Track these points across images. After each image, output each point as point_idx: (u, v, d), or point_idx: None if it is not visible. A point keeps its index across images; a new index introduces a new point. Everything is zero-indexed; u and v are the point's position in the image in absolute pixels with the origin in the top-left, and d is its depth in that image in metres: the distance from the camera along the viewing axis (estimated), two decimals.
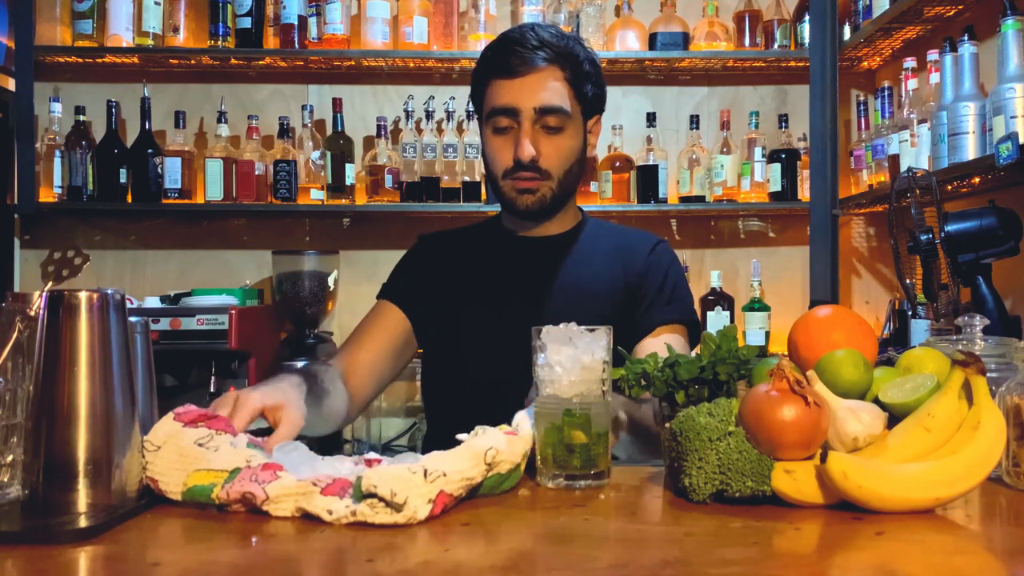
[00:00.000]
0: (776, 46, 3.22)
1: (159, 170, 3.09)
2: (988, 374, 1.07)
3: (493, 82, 1.65)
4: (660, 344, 1.53)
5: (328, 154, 3.13)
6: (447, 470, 1.01)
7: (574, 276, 1.72)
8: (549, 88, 1.61)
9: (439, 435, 1.78)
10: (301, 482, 1.00)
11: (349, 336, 1.79)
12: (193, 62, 3.19)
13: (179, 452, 1.06)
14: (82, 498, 0.98)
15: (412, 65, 3.19)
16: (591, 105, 1.69)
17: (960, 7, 2.57)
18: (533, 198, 1.65)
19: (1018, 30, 2.09)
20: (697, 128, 3.26)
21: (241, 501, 1.01)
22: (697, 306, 3.22)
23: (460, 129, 3.16)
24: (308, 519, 0.99)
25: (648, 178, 3.17)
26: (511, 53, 1.62)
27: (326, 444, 2.97)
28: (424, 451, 1.78)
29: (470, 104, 3.19)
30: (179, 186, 3.09)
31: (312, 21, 3.12)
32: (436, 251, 1.82)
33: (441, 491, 0.99)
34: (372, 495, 0.96)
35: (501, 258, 1.76)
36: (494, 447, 1.08)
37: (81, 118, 3.08)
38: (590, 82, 1.66)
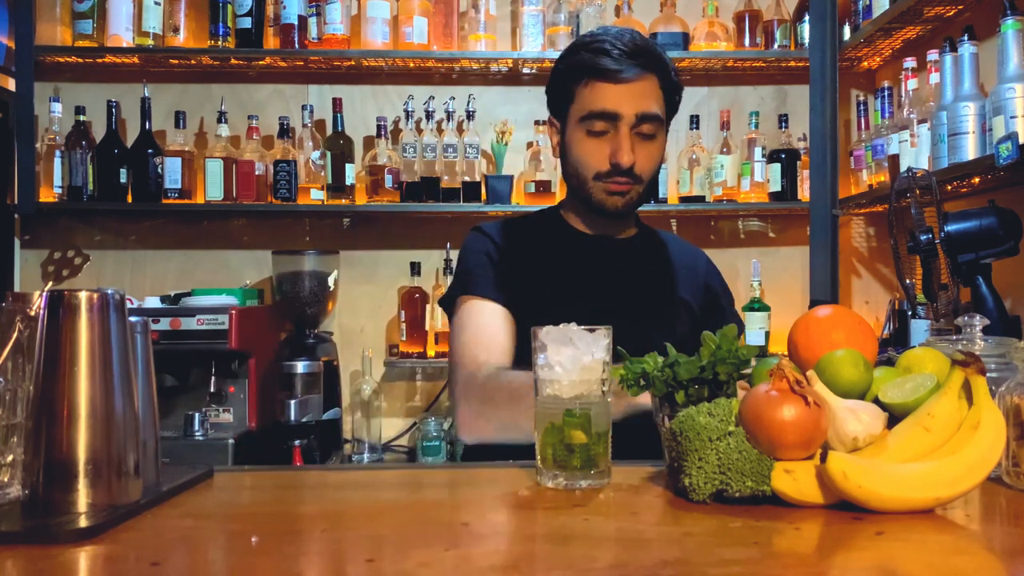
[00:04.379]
0: (776, 46, 3.22)
1: (159, 170, 3.09)
2: (988, 374, 1.06)
3: (592, 84, 1.64)
4: None
5: (328, 154, 3.13)
6: None
7: (645, 277, 1.77)
8: (650, 96, 1.64)
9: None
10: None
11: (472, 340, 1.63)
12: (193, 62, 3.19)
13: None
14: (82, 498, 0.98)
15: (412, 65, 3.19)
16: (671, 111, 1.73)
17: (960, 7, 2.57)
18: (623, 200, 1.68)
19: (1018, 30, 2.09)
20: (697, 128, 3.26)
21: None
22: None
23: (460, 129, 3.16)
24: (307, 519, 0.98)
25: None
26: (611, 57, 1.62)
27: (326, 443, 2.97)
28: (467, 451, 1.70)
29: (470, 104, 3.21)
30: (179, 186, 3.09)
31: (312, 21, 3.12)
32: (506, 243, 1.75)
33: None
34: None
35: (574, 255, 1.74)
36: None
37: (81, 118, 3.08)
38: (676, 91, 1.71)
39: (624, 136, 1.62)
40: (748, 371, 1.17)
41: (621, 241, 1.79)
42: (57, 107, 3.12)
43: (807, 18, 3.13)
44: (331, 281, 3.14)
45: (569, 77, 1.68)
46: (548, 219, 1.83)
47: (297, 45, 3.11)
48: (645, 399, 1.35)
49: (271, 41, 3.17)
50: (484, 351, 1.61)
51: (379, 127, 3.15)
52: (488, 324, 1.65)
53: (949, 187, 2.43)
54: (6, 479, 1.05)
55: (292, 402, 2.87)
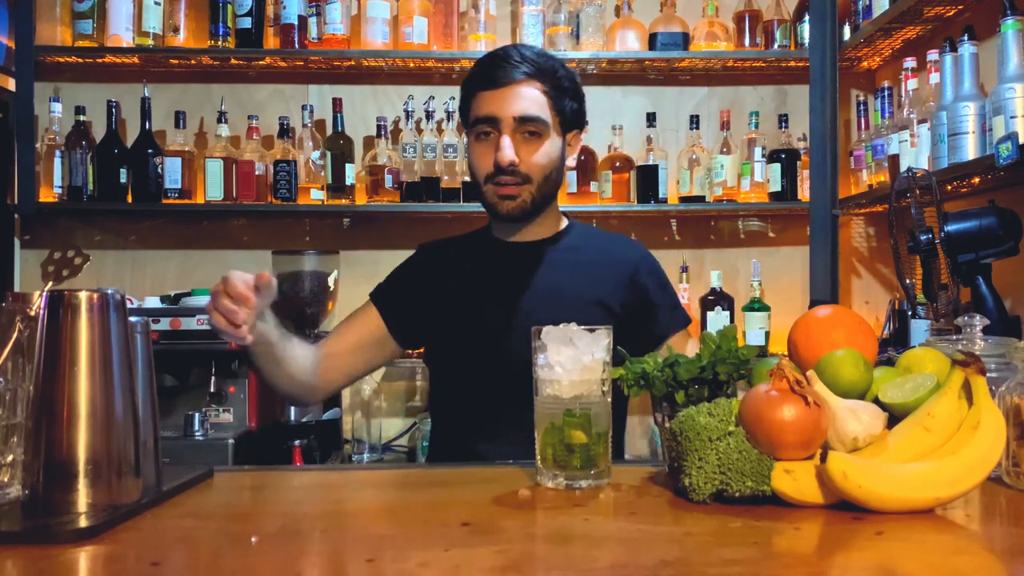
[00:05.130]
0: (776, 46, 3.22)
1: (159, 170, 3.09)
2: (988, 374, 1.07)
3: (477, 94, 1.74)
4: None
5: (328, 154, 3.13)
6: None
7: (558, 280, 1.78)
8: (528, 98, 1.70)
9: (442, 439, 1.86)
10: None
11: (335, 326, 1.91)
12: (193, 62, 3.19)
13: None
14: (82, 498, 0.98)
15: (412, 65, 3.19)
16: (569, 120, 1.77)
17: (960, 7, 2.57)
18: (514, 203, 1.73)
19: (1018, 30, 2.09)
20: (697, 128, 3.26)
21: None
22: (697, 306, 3.24)
23: (460, 129, 3.15)
24: (308, 519, 0.98)
25: (648, 178, 3.17)
26: (494, 67, 1.72)
27: (326, 443, 2.97)
28: (432, 454, 1.86)
29: (463, 89, 3.18)
30: (179, 186, 3.09)
31: (312, 21, 3.12)
32: (431, 260, 1.90)
33: None
34: None
35: (488, 265, 1.83)
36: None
37: (81, 118, 3.08)
38: (568, 97, 1.75)
39: (504, 137, 1.69)
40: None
41: (536, 244, 1.82)
42: (57, 107, 3.12)
43: (807, 18, 3.13)
44: (331, 281, 3.14)
45: (464, 92, 1.78)
46: (481, 232, 1.91)
47: (297, 45, 3.11)
48: None
49: (271, 41, 3.17)
50: (328, 337, 1.87)
51: (379, 127, 3.15)
52: (352, 317, 1.87)
53: (949, 187, 2.43)
54: (6, 479, 1.05)
55: None
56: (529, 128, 1.70)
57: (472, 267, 1.84)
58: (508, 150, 1.68)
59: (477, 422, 1.74)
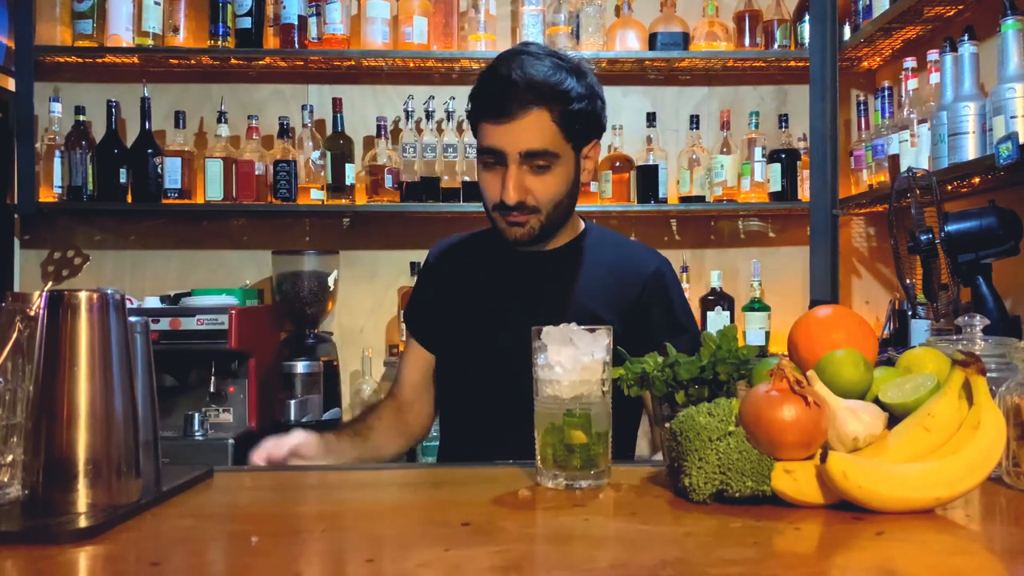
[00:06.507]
0: (776, 46, 3.22)
1: (159, 170, 3.09)
2: (988, 374, 1.06)
3: (482, 123, 1.66)
4: None
5: (328, 154, 3.13)
6: None
7: (570, 290, 1.74)
8: (535, 132, 1.61)
9: (449, 445, 1.83)
10: None
11: (397, 369, 1.93)
12: (193, 62, 3.19)
13: None
14: (82, 498, 0.98)
15: (412, 65, 3.19)
16: (583, 136, 1.68)
17: (960, 7, 2.57)
18: (522, 231, 1.68)
19: (1018, 30, 2.09)
20: (697, 128, 3.26)
21: None
22: (697, 306, 3.24)
23: (460, 129, 3.16)
24: (307, 519, 0.98)
25: (648, 178, 3.17)
26: (499, 96, 1.62)
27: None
28: (441, 458, 1.87)
29: (469, 104, 3.19)
30: (179, 186, 3.09)
31: (312, 21, 3.12)
32: (446, 265, 1.86)
33: None
34: None
35: (502, 271, 1.78)
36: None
37: (81, 118, 3.08)
38: (581, 116, 1.65)
39: (510, 174, 1.62)
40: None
41: (544, 253, 1.76)
42: (57, 107, 3.12)
43: (807, 18, 3.13)
44: (331, 281, 3.14)
45: (470, 113, 1.71)
46: (494, 233, 1.80)
47: (297, 45, 3.11)
48: None
49: (271, 41, 3.17)
50: (395, 382, 1.91)
51: (379, 127, 3.15)
52: (403, 358, 1.90)
53: (949, 187, 2.43)
54: (6, 479, 1.05)
55: (292, 402, 2.87)
56: (538, 162, 1.62)
57: (487, 272, 1.80)
58: (513, 190, 1.62)
59: (482, 431, 1.72)
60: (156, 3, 3.08)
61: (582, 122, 1.65)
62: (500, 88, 1.62)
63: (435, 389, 1.86)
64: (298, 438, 1.55)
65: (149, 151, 3.08)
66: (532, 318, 1.69)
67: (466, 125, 3.14)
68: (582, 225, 1.83)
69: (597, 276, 1.75)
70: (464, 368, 1.78)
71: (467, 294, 1.79)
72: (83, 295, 1.00)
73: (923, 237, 2.11)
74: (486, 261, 1.81)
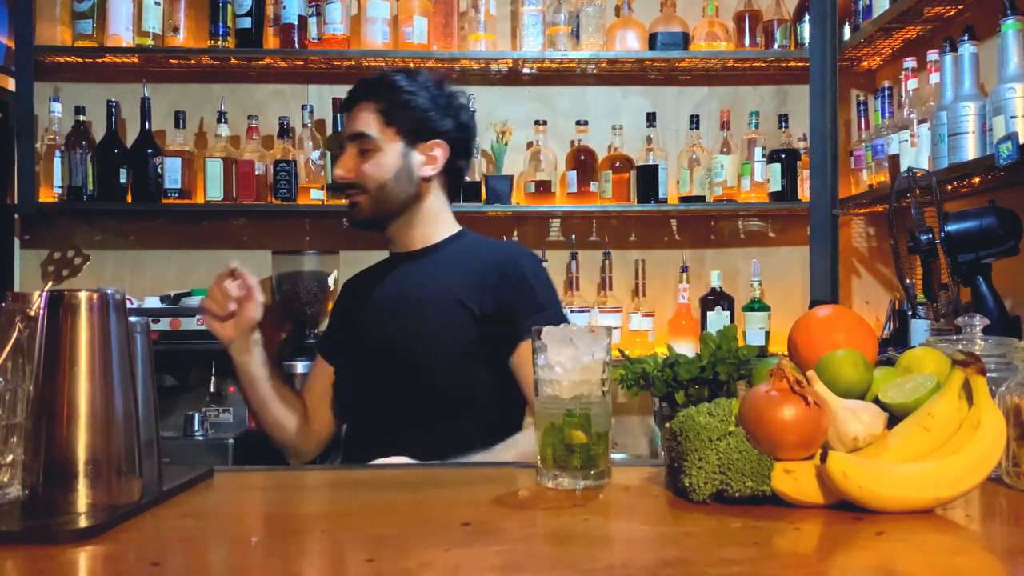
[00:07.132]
0: (776, 46, 3.22)
1: (159, 170, 3.09)
2: (988, 374, 1.06)
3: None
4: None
5: (328, 154, 3.13)
6: None
7: (436, 280, 1.87)
8: (359, 119, 1.87)
9: (348, 451, 2.01)
10: None
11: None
12: (193, 62, 3.19)
13: None
14: (82, 498, 0.98)
15: (412, 65, 3.18)
16: (415, 131, 1.87)
17: (960, 7, 2.57)
18: (355, 210, 1.89)
19: (1018, 30, 2.09)
20: (697, 128, 3.26)
21: None
22: (697, 306, 3.24)
23: None
24: (307, 519, 0.98)
25: (648, 178, 3.17)
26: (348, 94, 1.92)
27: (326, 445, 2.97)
28: (346, 452, 2.00)
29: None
30: (179, 186, 3.09)
31: (312, 21, 3.12)
32: (349, 289, 2.05)
33: None
34: None
35: (381, 278, 1.96)
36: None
37: (81, 118, 3.08)
38: (408, 110, 1.86)
39: (342, 155, 1.88)
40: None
41: (414, 254, 1.92)
42: (57, 107, 3.12)
43: (807, 18, 3.13)
44: (331, 281, 3.14)
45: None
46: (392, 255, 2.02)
47: (297, 45, 3.11)
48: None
49: (271, 41, 3.17)
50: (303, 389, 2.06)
51: None
52: (309, 375, 2.08)
53: (949, 187, 2.43)
54: (6, 479, 1.05)
55: None
56: (361, 145, 1.85)
57: (368, 287, 1.97)
58: (339, 167, 1.87)
59: (370, 433, 1.87)
60: (156, 3, 3.08)
61: (407, 117, 1.86)
62: (354, 87, 1.92)
63: (338, 399, 1.98)
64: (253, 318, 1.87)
65: (149, 151, 3.08)
66: (404, 310, 1.88)
67: None
68: (457, 228, 1.96)
69: (463, 269, 1.89)
70: (351, 369, 1.92)
71: (356, 305, 1.97)
72: (83, 295, 1.00)
73: (923, 237, 2.11)
74: (375, 275, 2.00)
